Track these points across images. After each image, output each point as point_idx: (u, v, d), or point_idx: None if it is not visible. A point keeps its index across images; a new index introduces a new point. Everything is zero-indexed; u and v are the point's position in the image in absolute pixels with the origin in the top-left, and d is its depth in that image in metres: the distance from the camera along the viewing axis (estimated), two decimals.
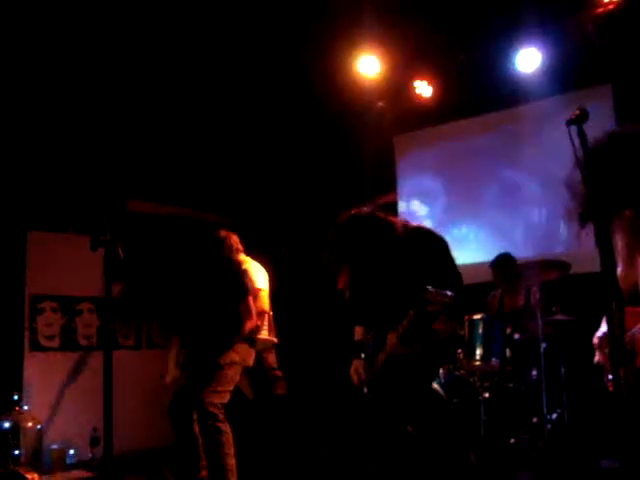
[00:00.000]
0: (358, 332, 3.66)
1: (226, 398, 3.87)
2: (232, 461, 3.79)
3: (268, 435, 4.09)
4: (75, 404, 5.84)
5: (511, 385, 4.98)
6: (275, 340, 5.02)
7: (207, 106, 6.60)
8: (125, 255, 2.45)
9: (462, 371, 5.09)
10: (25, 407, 5.48)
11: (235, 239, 4.52)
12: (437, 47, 6.17)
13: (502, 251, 5.62)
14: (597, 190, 2.15)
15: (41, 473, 4.93)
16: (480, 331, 4.94)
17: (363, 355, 3.56)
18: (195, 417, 3.92)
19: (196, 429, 3.94)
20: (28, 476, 4.63)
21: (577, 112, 2.20)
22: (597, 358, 2.93)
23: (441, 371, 5.02)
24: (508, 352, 4.98)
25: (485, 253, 6.41)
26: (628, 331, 2.45)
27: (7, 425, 5.11)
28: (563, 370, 4.74)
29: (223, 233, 4.44)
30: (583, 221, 2.09)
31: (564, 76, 5.82)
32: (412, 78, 6.56)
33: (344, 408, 5.00)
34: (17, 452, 5.19)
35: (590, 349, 2.96)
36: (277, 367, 5.00)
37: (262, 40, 5.99)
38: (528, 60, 5.92)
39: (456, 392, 4.93)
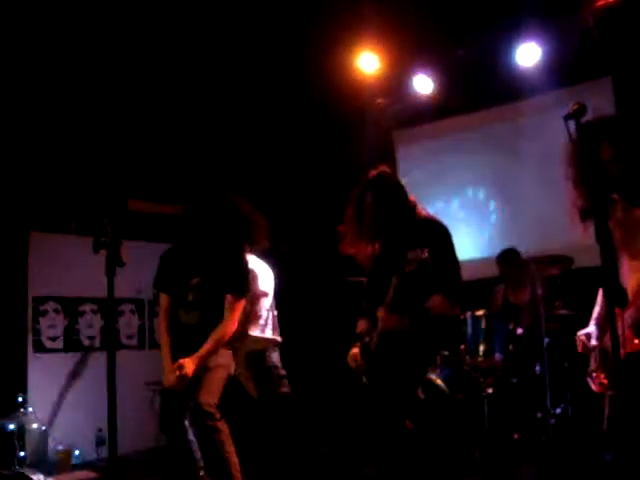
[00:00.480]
0: (361, 325, 3.71)
1: (217, 398, 3.81)
2: (235, 459, 3.77)
3: (272, 433, 4.08)
4: (79, 405, 5.85)
5: (515, 380, 4.99)
6: (279, 339, 5.00)
7: (207, 105, 6.60)
8: None
9: (465, 367, 5.10)
10: (30, 409, 5.49)
11: None
12: (436, 43, 6.16)
13: (504, 246, 5.64)
14: (591, 177, 2.17)
15: (46, 474, 4.93)
16: (483, 327, 4.94)
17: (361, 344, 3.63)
18: (187, 424, 3.87)
19: (189, 436, 3.90)
20: (34, 477, 4.62)
21: (575, 107, 2.20)
22: (594, 365, 2.95)
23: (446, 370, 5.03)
24: (511, 347, 4.99)
25: (486, 248, 6.43)
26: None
27: (12, 427, 5.12)
28: (567, 365, 4.74)
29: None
30: (584, 217, 2.10)
31: (564, 70, 5.81)
32: (411, 74, 6.55)
33: (348, 406, 5.01)
34: (22, 453, 5.20)
35: None
36: (281, 366, 4.99)
37: (261, 37, 5.99)
38: (528, 54, 5.91)
39: (459, 388, 4.93)
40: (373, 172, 3.70)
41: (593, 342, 2.90)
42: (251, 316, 4.60)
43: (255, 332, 4.78)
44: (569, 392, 4.66)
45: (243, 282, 3.96)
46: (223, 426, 3.73)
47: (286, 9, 5.73)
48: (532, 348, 4.95)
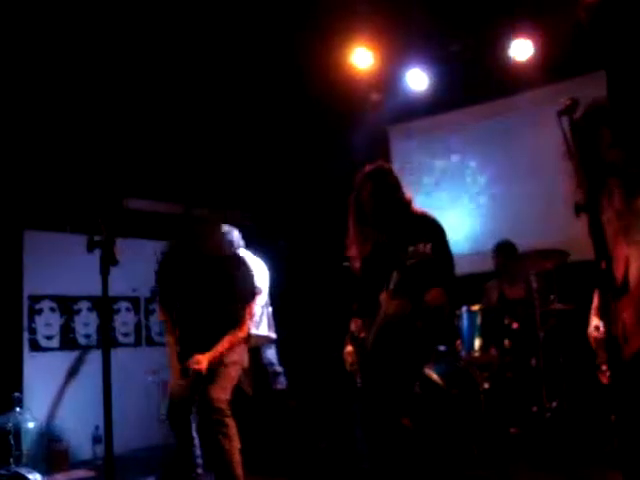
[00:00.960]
0: (355, 324, 3.71)
1: (229, 394, 3.86)
2: (238, 456, 3.80)
3: (269, 430, 4.09)
4: (76, 403, 5.84)
5: (510, 375, 5.00)
6: (274, 336, 5.01)
7: (203, 103, 6.58)
8: None
9: (462, 362, 5.11)
10: (26, 407, 5.48)
11: (237, 234, 4.53)
12: (430, 38, 6.16)
13: (498, 240, 5.66)
14: (587, 166, 2.17)
15: (43, 473, 4.93)
16: (479, 322, 4.95)
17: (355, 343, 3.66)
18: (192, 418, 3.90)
19: (193, 431, 3.93)
20: (30, 477, 4.62)
21: (568, 102, 2.20)
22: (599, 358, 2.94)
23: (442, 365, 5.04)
24: (507, 342, 4.99)
25: (480, 243, 6.43)
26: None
27: (8, 426, 5.11)
28: (562, 359, 4.75)
29: (226, 228, 4.43)
30: (577, 212, 2.10)
31: (558, 65, 5.81)
32: (405, 69, 6.55)
33: (344, 402, 5.01)
34: (18, 453, 5.19)
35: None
36: (277, 362, 5.00)
37: (255, 34, 5.97)
38: (522, 49, 5.91)
39: (456, 383, 4.93)
40: (372, 165, 3.75)
41: (602, 330, 2.88)
42: None
43: (250, 329, 4.78)
44: (565, 386, 4.67)
45: (253, 291, 4.14)
46: (231, 422, 3.77)
47: (280, 5, 5.71)
48: (528, 343, 4.96)
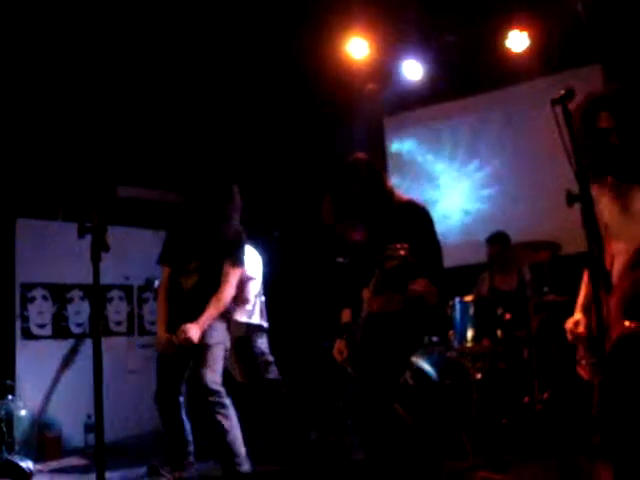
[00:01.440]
0: (346, 315, 3.70)
1: (220, 376, 3.86)
2: (240, 435, 3.84)
3: (260, 419, 4.09)
4: (68, 391, 5.84)
5: (503, 366, 5.02)
6: (265, 325, 5.01)
7: (196, 92, 6.55)
8: None
9: (454, 352, 5.12)
10: (18, 395, 5.48)
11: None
12: (426, 28, 6.14)
13: (491, 231, 5.68)
14: (582, 158, 2.17)
15: (35, 461, 4.93)
16: (471, 313, 4.96)
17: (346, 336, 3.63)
18: (182, 402, 3.91)
19: (182, 415, 3.93)
20: (22, 464, 4.63)
21: (562, 92, 2.20)
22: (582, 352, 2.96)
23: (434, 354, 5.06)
24: (499, 333, 5.01)
25: (473, 233, 6.45)
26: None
27: (0, 413, 5.11)
28: (554, 351, 4.77)
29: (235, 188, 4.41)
30: (570, 202, 2.10)
31: (554, 57, 5.80)
32: (402, 60, 6.53)
33: (335, 392, 5.03)
34: (10, 440, 5.19)
35: None
36: (269, 352, 5.00)
37: (250, 23, 5.94)
38: (518, 41, 5.90)
39: (448, 374, 4.95)
40: (347, 160, 3.65)
41: (581, 329, 2.90)
42: (238, 301, 4.60)
43: (242, 318, 4.79)
44: (556, 377, 4.69)
45: (239, 252, 4.10)
46: (228, 402, 3.79)
47: None
48: (520, 334, 4.98)
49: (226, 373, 4.05)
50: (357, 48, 6.32)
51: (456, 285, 5.51)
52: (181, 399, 3.91)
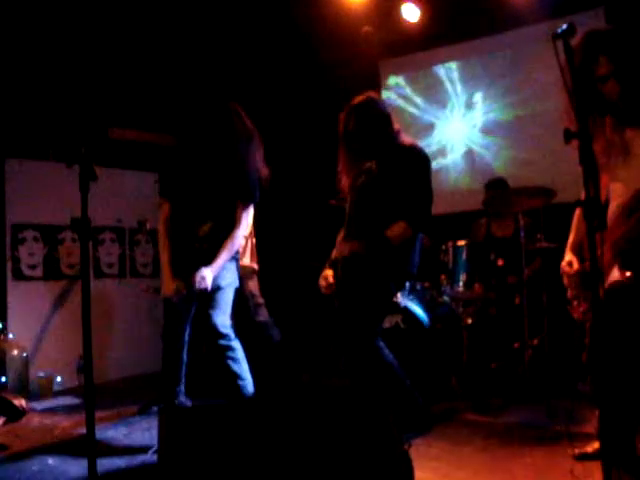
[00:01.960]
0: (335, 252, 3.87)
1: (229, 318, 3.84)
2: (249, 376, 3.87)
3: (251, 362, 4.09)
4: (61, 332, 5.86)
5: (494, 312, 5.04)
6: (256, 267, 4.99)
7: (192, 34, 6.40)
8: None
9: (445, 297, 5.14)
10: (10, 335, 5.49)
11: None
12: None
13: (488, 178, 5.65)
14: (582, 94, 2.14)
15: (28, 400, 4.97)
16: (464, 257, 4.96)
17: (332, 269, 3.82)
18: (187, 340, 3.89)
19: (184, 354, 3.92)
20: (16, 402, 4.66)
21: (564, 26, 2.14)
22: (570, 293, 2.97)
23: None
24: (493, 280, 5.02)
25: (470, 180, 6.42)
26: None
27: None
28: (545, 297, 4.79)
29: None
30: (567, 139, 2.05)
31: (557, 0, 5.66)
32: (399, 1, 6.36)
33: (326, 333, 5.05)
34: (4, 379, 5.23)
35: None
36: (259, 294, 4.99)
37: None
38: None
39: (439, 318, 4.98)
40: (359, 97, 3.78)
41: (575, 266, 2.90)
42: None
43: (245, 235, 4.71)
44: (547, 324, 4.72)
45: (252, 189, 3.89)
46: (238, 345, 3.80)
47: None
48: (512, 280, 4.99)
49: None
50: None
51: (453, 231, 5.51)
52: (186, 338, 3.89)
